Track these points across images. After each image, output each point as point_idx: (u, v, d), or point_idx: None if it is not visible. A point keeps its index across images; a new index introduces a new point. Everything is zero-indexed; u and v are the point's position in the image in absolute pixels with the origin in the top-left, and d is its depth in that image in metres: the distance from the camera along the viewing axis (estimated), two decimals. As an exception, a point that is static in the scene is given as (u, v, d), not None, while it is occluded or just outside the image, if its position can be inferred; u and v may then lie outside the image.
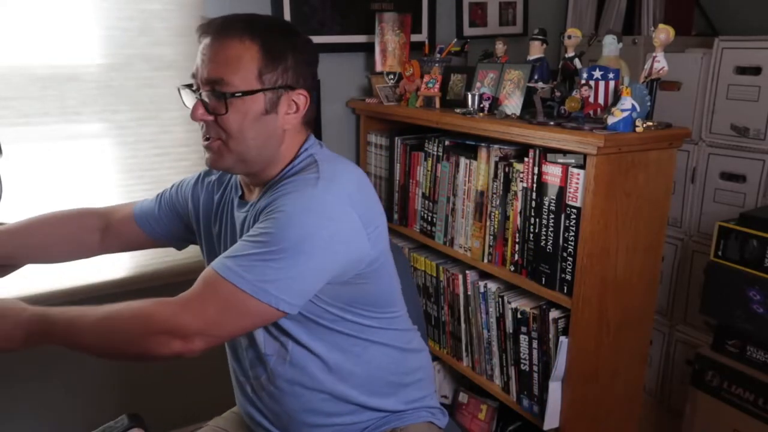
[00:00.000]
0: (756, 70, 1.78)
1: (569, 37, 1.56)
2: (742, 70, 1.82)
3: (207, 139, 1.01)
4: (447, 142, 1.78)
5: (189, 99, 1.03)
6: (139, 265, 1.91)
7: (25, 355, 1.83)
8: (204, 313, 0.90)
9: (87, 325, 0.91)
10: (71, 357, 1.90)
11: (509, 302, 1.61)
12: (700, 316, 1.91)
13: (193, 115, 0.98)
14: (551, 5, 2.52)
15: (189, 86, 1.02)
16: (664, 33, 1.38)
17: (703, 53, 1.90)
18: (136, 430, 0.95)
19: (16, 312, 0.92)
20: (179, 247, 1.33)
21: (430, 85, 1.87)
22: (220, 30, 0.97)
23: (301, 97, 1.03)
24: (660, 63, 1.40)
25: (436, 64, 1.92)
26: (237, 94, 0.96)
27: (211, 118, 0.97)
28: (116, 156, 1.82)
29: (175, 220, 1.27)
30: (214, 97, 0.96)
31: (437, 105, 1.85)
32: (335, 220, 0.95)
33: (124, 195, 1.84)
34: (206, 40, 0.98)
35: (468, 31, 2.32)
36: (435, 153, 1.82)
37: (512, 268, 1.62)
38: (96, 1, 1.69)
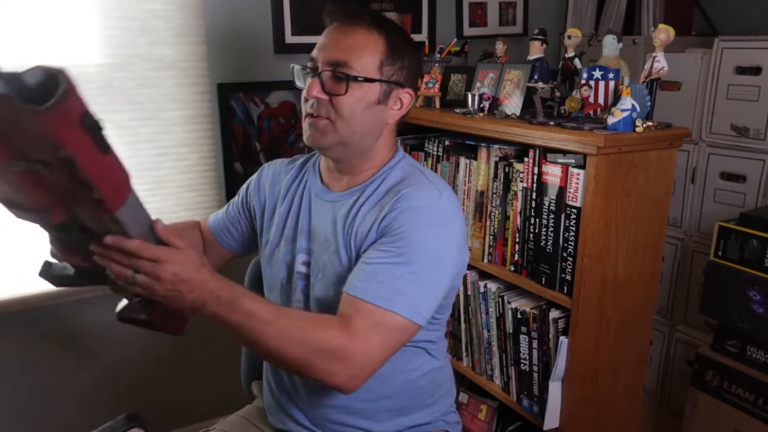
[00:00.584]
0: (756, 70, 1.78)
1: (569, 37, 1.56)
2: (742, 70, 1.82)
3: (313, 116, 1.03)
4: (447, 142, 1.78)
5: (302, 79, 1.07)
6: (139, 265, 1.91)
7: (25, 355, 1.84)
8: (370, 345, 0.92)
9: (269, 324, 0.86)
10: (71, 357, 1.90)
11: (509, 302, 1.61)
12: (700, 316, 1.91)
13: (309, 93, 1.01)
14: (551, 5, 2.52)
15: (304, 67, 1.06)
16: (664, 33, 1.38)
17: (703, 53, 1.90)
18: (136, 430, 0.95)
19: (202, 276, 0.84)
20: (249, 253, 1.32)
21: (430, 85, 1.87)
22: (352, 17, 1.03)
23: (407, 96, 1.08)
24: (660, 63, 1.39)
25: (436, 64, 1.92)
26: (359, 79, 1.01)
27: (326, 97, 1.01)
28: (116, 156, 1.81)
29: (242, 222, 1.26)
30: (335, 78, 1.01)
31: (437, 105, 1.85)
32: (458, 233, 1.04)
33: (124, 195, 1.84)
34: (334, 25, 1.04)
35: (468, 31, 2.32)
36: (435, 153, 1.82)
37: (512, 268, 1.62)
38: (96, 1, 1.70)
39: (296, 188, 1.17)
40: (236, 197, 1.28)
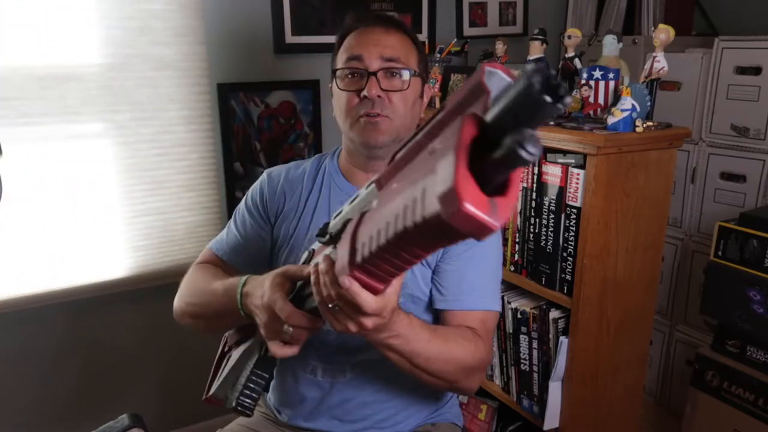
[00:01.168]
0: (756, 70, 1.78)
1: (569, 37, 1.56)
2: (742, 70, 1.82)
3: (372, 115, 1.03)
4: (447, 142, 1.78)
5: (349, 81, 1.05)
6: (139, 265, 1.91)
7: (25, 355, 1.84)
8: (489, 351, 1.05)
9: (424, 339, 0.89)
10: (71, 357, 1.90)
11: (509, 302, 1.61)
12: (700, 316, 1.91)
13: (371, 92, 1.01)
14: (551, 5, 2.52)
15: (352, 70, 1.05)
16: (664, 33, 1.38)
17: (703, 53, 1.90)
18: (136, 430, 0.95)
19: None
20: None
21: (430, 84, 1.87)
22: (388, 22, 1.08)
23: (428, 90, 1.15)
24: (660, 63, 1.39)
25: (436, 64, 1.92)
26: (416, 73, 1.06)
27: (383, 94, 1.02)
28: (116, 156, 1.82)
29: (265, 237, 1.17)
30: (390, 75, 1.04)
31: (437, 105, 1.85)
32: None
33: (124, 195, 1.84)
34: (377, 28, 1.06)
35: (468, 31, 2.32)
36: (435, 153, 1.82)
37: (512, 268, 1.62)
38: (96, 1, 1.69)
39: (318, 191, 1.14)
40: (244, 216, 1.18)
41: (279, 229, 1.15)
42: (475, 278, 1.05)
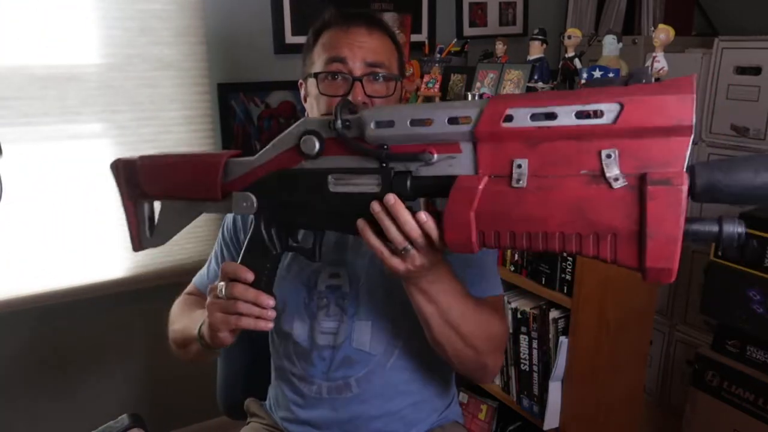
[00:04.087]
0: (756, 70, 1.78)
1: (569, 37, 1.56)
2: (742, 70, 1.82)
3: None
4: (447, 142, 1.78)
5: (330, 85, 0.99)
6: (139, 265, 1.91)
7: (25, 355, 1.84)
8: (507, 329, 1.05)
9: (459, 292, 0.86)
10: (71, 357, 1.90)
11: (509, 302, 1.61)
12: (700, 316, 1.91)
13: (356, 98, 0.95)
14: (551, 5, 2.52)
15: (334, 74, 0.98)
16: (664, 33, 1.38)
17: (703, 53, 1.90)
18: (136, 430, 0.95)
19: None
20: None
21: (430, 85, 1.87)
22: (371, 22, 1.01)
23: (406, 85, 1.12)
24: (660, 63, 1.40)
25: (436, 64, 1.92)
26: (400, 78, 1.02)
27: (369, 101, 0.97)
28: (116, 156, 1.81)
29: None
30: (376, 80, 0.98)
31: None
32: None
33: (124, 195, 1.84)
34: (361, 28, 0.99)
35: (468, 31, 2.32)
36: (435, 153, 1.82)
37: (512, 268, 1.62)
38: (96, 1, 1.69)
39: None
40: (221, 247, 1.16)
41: None
42: (481, 264, 1.02)
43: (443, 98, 1.87)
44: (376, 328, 1.04)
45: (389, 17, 2.02)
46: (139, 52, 1.77)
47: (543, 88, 1.52)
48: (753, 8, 2.24)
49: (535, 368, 1.59)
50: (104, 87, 1.75)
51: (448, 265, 0.83)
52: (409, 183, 0.67)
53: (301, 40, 1.99)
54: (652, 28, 1.42)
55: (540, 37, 1.63)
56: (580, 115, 0.54)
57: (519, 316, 1.59)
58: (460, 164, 0.61)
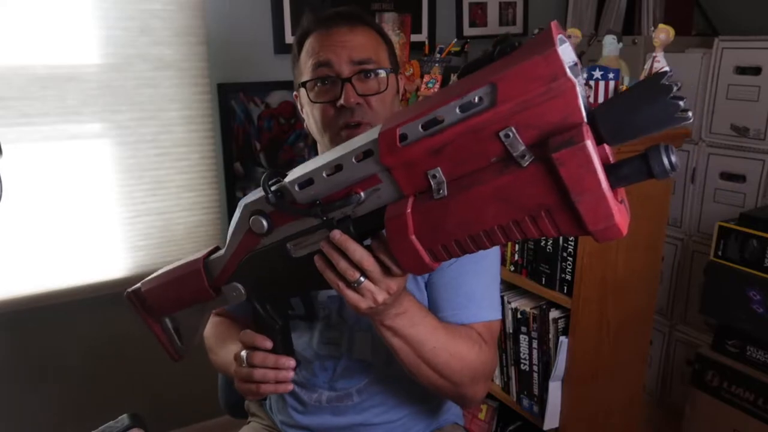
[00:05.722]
0: (756, 70, 1.78)
1: (569, 37, 1.56)
2: (742, 70, 1.82)
3: (352, 125, 0.95)
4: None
5: (320, 91, 0.97)
6: (139, 265, 1.91)
7: (25, 355, 1.84)
8: (495, 357, 0.99)
9: (430, 325, 0.85)
10: (71, 357, 1.90)
11: (509, 302, 1.61)
12: (700, 316, 1.91)
13: (349, 100, 0.93)
14: (551, 5, 2.52)
15: (323, 79, 0.96)
16: (664, 33, 1.38)
17: (703, 53, 1.90)
18: (136, 430, 0.95)
19: None
20: None
21: (430, 85, 1.87)
22: (351, 19, 0.98)
23: (402, 81, 1.06)
24: (660, 63, 1.40)
25: (436, 64, 1.92)
26: (390, 72, 0.98)
27: (362, 100, 0.95)
28: (116, 156, 1.82)
29: None
30: (365, 77, 0.95)
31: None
32: None
33: (124, 195, 1.84)
34: (341, 28, 0.97)
35: (468, 31, 2.32)
36: (435, 153, 1.82)
37: (512, 268, 1.62)
38: (96, 1, 1.69)
39: None
40: None
41: None
42: (471, 288, 0.98)
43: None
44: (377, 338, 1.03)
45: (389, 17, 2.02)
46: (139, 52, 1.77)
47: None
48: (753, 8, 2.24)
49: (535, 368, 1.59)
50: (104, 87, 1.75)
51: (412, 298, 0.81)
52: (351, 227, 0.67)
53: (301, 40, 2.00)
54: (652, 28, 1.42)
55: (540, 37, 1.63)
56: (463, 108, 0.53)
57: (519, 316, 1.59)
58: (387, 193, 0.62)
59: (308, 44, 0.99)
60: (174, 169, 1.90)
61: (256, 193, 0.75)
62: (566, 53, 0.50)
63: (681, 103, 0.47)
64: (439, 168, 0.56)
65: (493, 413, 1.89)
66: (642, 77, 1.43)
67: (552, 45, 0.48)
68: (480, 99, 0.52)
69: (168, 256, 1.94)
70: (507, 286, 1.67)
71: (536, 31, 1.66)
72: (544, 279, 1.53)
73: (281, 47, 1.99)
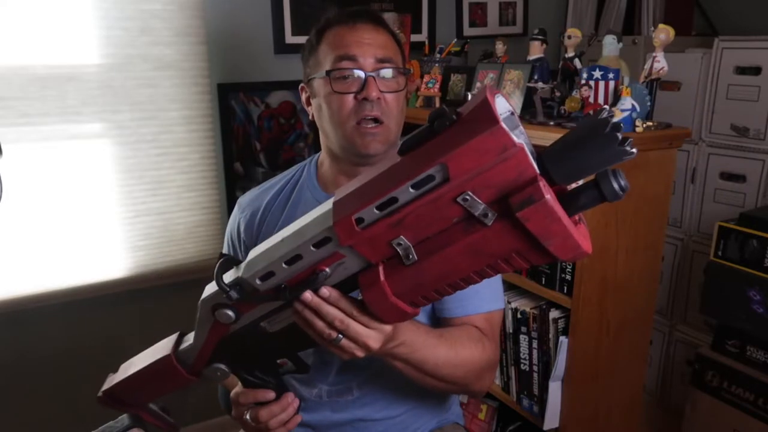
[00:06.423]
0: (756, 70, 1.78)
1: (569, 37, 1.56)
2: (742, 70, 1.82)
3: (369, 118, 0.97)
4: (447, 142, 1.78)
5: (344, 83, 0.98)
6: (139, 265, 1.91)
7: (25, 355, 1.84)
8: (497, 348, 1.02)
9: (430, 346, 0.87)
10: (71, 357, 1.90)
11: (509, 302, 1.61)
12: (700, 316, 1.91)
13: (371, 94, 0.96)
14: (551, 5, 2.52)
15: (346, 70, 0.98)
16: (664, 33, 1.38)
17: (703, 53, 1.90)
18: (136, 430, 0.95)
19: None
20: None
21: (430, 85, 1.87)
22: (376, 19, 1.02)
23: (410, 84, 1.10)
24: (660, 63, 1.40)
25: (436, 64, 1.92)
26: (407, 72, 1.02)
27: (382, 96, 0.97)
28: (116, 156, 1.82)
29: None
30: (387, 75, 0.98)
31: (437, 105, 1.85)
32: None
33: (124, 195, 1.84)
34: (368, 25, 1.00)
35: (468, 31, 2.32)
36: (435, 153, 1.82)
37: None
38: (96, 1, 1.70)
39: (294, 211, 1.09)
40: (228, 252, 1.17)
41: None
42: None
43: (443, 98, 1.87)
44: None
45: (389, 17, 2.02)
46: (139, 52, 1.77)
47: (543, 88, 1.52)
48: (753, 8, 2.24)
49: (535, 368, 1.59)
50: (104, 87, 1.75)
51: (409, 326, 0.82)
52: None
53: (301, 40, 1.99)
54: (652, 28, 1.42)
55: (540, 37, 1.63)
56: (416, 186, 0.54)
57: (519, 316, 1.59)
58: (353, 264, 0.62)
59: (330, 36, 1.01)
60: (174, 169, 1.90)
61: (211, 288, 0.73)
62: (501, 106, 0.52)
63: (627, 147, 0.50)
64: (402, 236, 0.57)
65: (493, 413, 1.89)
66: (642, 77, 1.43)
67: (495, 119, 0.50)
68: (431, 177, 0.53)
69: (168, 256, 1.94)
70: (507, 286, 1.67)
71: (536, 31, 1.66)
72: (544, 279, 1.53)
73: (281, 47, 1.99)
